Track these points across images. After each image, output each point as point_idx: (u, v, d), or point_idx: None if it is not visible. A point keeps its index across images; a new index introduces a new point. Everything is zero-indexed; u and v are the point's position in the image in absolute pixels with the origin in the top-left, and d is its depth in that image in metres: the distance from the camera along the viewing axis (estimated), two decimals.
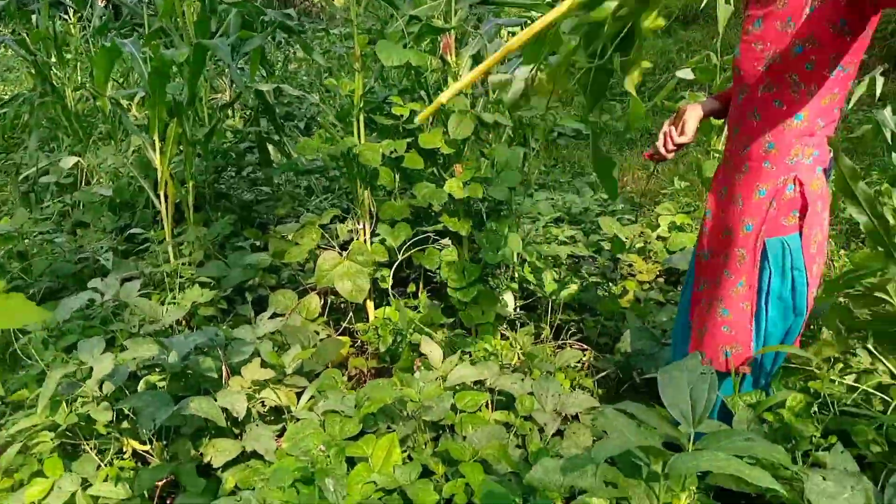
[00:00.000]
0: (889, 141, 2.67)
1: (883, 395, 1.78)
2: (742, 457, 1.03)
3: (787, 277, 1.78)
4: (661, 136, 1.97)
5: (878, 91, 3.26)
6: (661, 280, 3.34)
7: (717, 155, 3.60)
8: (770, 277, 1.79)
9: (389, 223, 2.91)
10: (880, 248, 1.75)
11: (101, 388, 1.98)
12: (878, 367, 1.80)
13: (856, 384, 1.82)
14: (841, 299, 2.15)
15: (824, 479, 1.03)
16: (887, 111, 2.74)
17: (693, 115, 1.93)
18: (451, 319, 2.92)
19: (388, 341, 2.69)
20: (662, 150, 1.96)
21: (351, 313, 3.04)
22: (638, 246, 3.51)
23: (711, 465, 0.99)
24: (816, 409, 1.71)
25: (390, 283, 2.88)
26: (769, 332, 1.84)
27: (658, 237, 3.56)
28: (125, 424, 2.05)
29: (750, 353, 1.85)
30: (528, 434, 2.01)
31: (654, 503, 1.03)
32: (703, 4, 3.70)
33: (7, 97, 5.86)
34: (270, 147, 3.83)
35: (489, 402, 2.16)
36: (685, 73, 3.53)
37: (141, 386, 2.05)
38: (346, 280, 2.73)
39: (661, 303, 3.09)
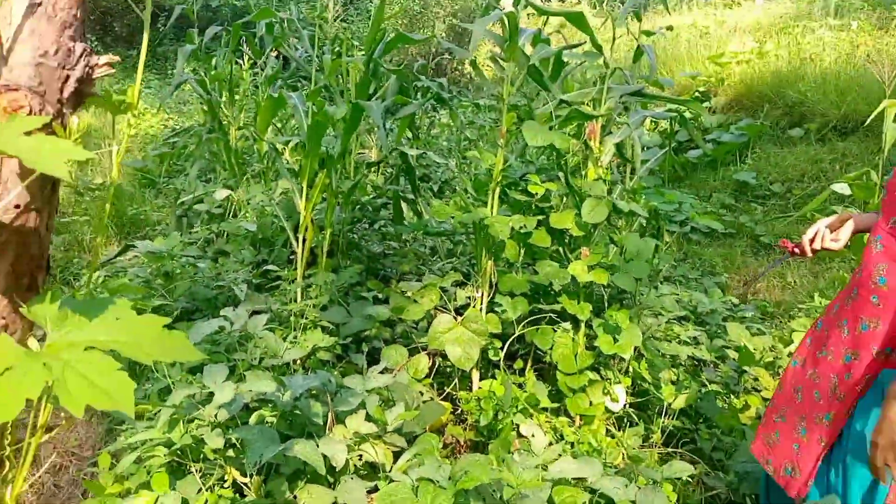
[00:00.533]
0: None
1: None
2: None
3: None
4: (811, 230, 1.89)
5: None
6: None
7: None
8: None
9: (508, 295, 2.91)
10: None
11: (217, 414, 2.08)
12: None
13: None
14: None
15: None
16: None
17: (850, 224, 1.86)
18: (557, 405, 2.84)
19: (490, 416, 2.65)
20: (807, 246, 1.89)
21: (456, 380, 3.04)
22: (766, 360, 3.29)
23: None
24: None
25: (501, 357, 2.86)
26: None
27: (789, 354, 3.33)
28: (231, 453, 2.13)
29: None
30: None
31: None
32: (868, 120, 3.52)
33: (178, 129, 6.50)
34: (405, 205, 3.97)
35: (587, 501, 2.07)
36: (841, 188, 3.35)
37: (253, 419, 2.13)
38: (458, 346, 2.74)
39: None
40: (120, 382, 0.52)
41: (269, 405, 2.25)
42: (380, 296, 3.38)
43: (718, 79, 8.48)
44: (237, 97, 5.32)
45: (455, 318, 2.82)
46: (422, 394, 2.82)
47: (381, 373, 2.55)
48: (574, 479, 2.12)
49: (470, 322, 2.79)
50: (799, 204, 6.00)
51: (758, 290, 4.66)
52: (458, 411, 2.98)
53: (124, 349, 0.56)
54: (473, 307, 2.96)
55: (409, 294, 2.98)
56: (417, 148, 3.53)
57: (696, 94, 7.81)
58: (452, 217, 2.84)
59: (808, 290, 4.46)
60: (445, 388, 3.06)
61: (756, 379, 3.19)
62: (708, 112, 7.89)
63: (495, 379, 2.88)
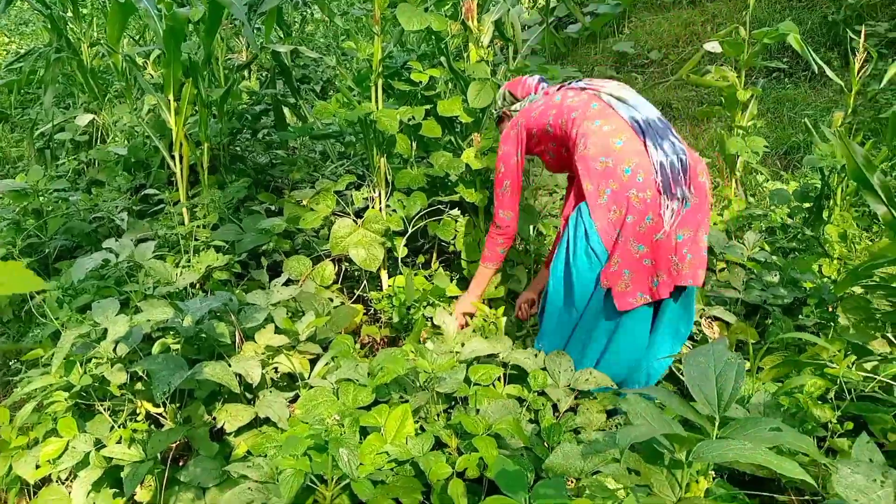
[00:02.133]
0: None
1: None
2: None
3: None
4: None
5: None
6: None
7: (741, 131, 3.53)
8: None
9: (405, 192, 2.87)
10: None
11: (115, 349, 1.98)
12: None
13: (872, 374, 1.79)
14: (859, 289, 2.10)
15: (852, 471, 1.01)
16: None
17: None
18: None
19: (402, 311, 2.67)
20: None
21: (365, 281, 3.03)
22: None
23: (738, 455, 0.97)
24: (833, 396, 1.68)
25: (404, 253, 2.86)
26: None
27: None
28: (139, 386, 2.06)
29: None
30: (542, 409, 1.99)
31: (676, 490, 1.01)
32: None
33: (23, 52, 5.82)
34: (286, 110, 3.78)
35: (502, 376, 2.15)
36: (712, 47, 3.43)
37: (155, 349, 2.04)
38: (361, 248, 2.70)
39: None
40: None
41: (172, 333, 2.16)
42: (273, 208, 3.27)
43: None
44: (83, 10, 4.79)
45: (355, 221, 2.77)
46: (331, 300, 2.80)
47: (285, 285, 2.49)
48: (486, 356, 2.20)
49: (371, 223, 2.75)
50: (675, 68, 6.17)
51: None
52: (371, 311, 2.99)
53: None
54: (372, 208, 2.91)
55: (303, 202, 2.89)
56: (290, 45, 3.31)
57: None
58: (337, 116, 2.73)
59: None
60: (355, 291, 3.05)
61: None
62: None
63: (402, 276, 2.89)
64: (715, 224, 3.23)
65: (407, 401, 1.97)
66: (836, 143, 2.46)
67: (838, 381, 1.69)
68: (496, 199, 2.38)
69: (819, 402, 1.66)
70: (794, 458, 1.38)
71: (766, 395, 1.74)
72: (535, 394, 2.04)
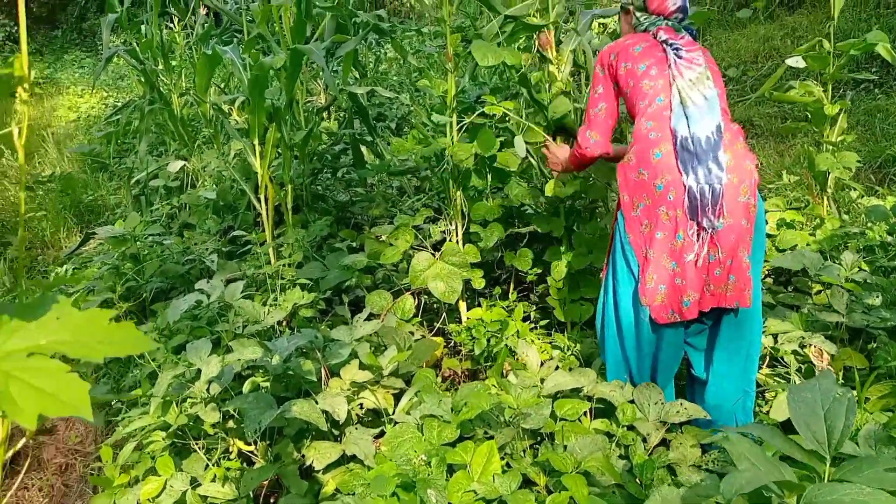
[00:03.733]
0: None
1: None
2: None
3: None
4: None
5: None
6: (769, 280, 3.15)
7: (831, 147, 3.36)
8: None
9: (482, 223, 2.88)
10: None
11: (208, 389, 2.06)
12: None
13: None
14: None
15: None
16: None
17: None
18: (547, 321, 2.87)
19: (483, 343, 2.66)
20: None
21: (444, 314, 3.03)
22: None
23: (856, 500, 0.90)
24: None
25: (482, 285, 2.85)
26: None
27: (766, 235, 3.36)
28: (231, 424, 2.12)
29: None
30: (632, 444, 1.93)
31: None
32: None
33: (119, 105, 6.24)
34: (364, 148, 3.88)
35: (588, 410, 2.10)
36: (795, 62, 3.30)
37: (246, 387, 2.11)
38: (440, 281, 2.72)
39: (771, 305, 2.90)
40: (71, 385, 0.48)
41: (261, 371, 2.23)
42: (354, 244, 3.34)
43: None
44: (173, 62, 5.09)
45: (433, 255, 2.79)
46: (412, 333, 2.82)
47: (367, 319, 2.53)
48: (571, 390, 2.15)
49: (448, 255, 2.77)
50: (755, 85, 5.97)
51: None
52: (451, 344, 2.99)
53: (70, 349, 0.52)
54: (450, 240, 2.93)
55: (383, 238, 2.94)
56: (366, 86, 3.41)
57: None
58: (413, 152, 2.77)
59: (775, 169, 4.48)
60: (435, 324, 3.06)
61: None
62: None
63: (481, 307, 2.88)
64: (808, 245, 3.07)
65: (492, 437, 1.95)
66: None
67: None
68: (586, 119, 2.27)
69: None
70: None
71: (876, 427, 1.62)
72: (625, 428, 1.98)
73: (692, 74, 2.08)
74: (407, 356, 2.44)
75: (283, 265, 2.94)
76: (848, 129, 3.83)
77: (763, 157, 5.00)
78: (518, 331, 2.60)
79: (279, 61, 2.82)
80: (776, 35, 6.45)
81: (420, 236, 2.92)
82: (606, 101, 2.21)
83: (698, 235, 1.95)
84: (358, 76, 4.18)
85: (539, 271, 2.92)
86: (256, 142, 3.01)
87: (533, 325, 2.88)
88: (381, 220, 3.58)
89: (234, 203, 3.77)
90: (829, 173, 3.45)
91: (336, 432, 2.13)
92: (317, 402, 2.01)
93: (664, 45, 2.12)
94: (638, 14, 2.25)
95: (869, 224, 3.14)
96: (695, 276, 1.97)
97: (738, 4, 7.22)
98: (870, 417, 1.70)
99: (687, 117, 2.01)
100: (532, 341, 2.58)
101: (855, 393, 1.85)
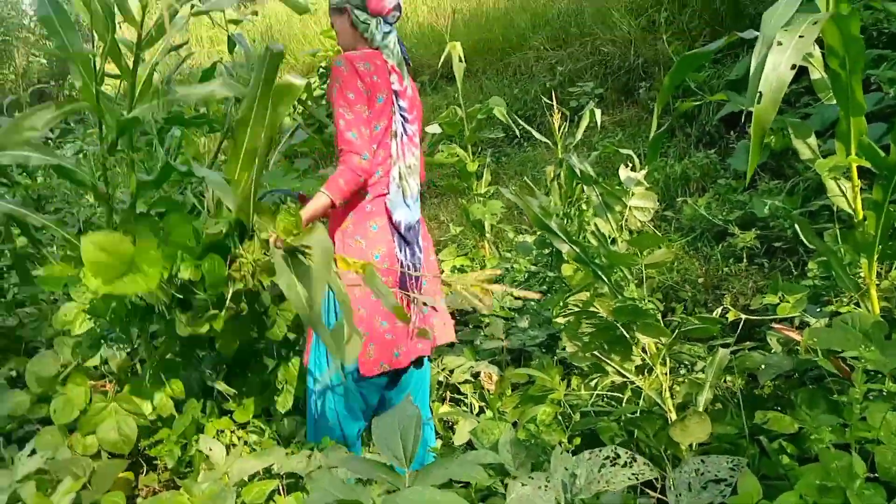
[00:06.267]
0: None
1: (618, 394, 1.99)
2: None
3: None
4: None
5: (598, 120, 3.72)
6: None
7: (480, 199, 3.88)
8: None
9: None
10: (587, 269, 1.99)
11: None
12: (609, 371, 2.01)
13: (594, 390, 2.01)
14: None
15: (523, 483, 1.14)
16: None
17: None
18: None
19: (176, 452, 2.54)
20: None
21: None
22: None
23: (430, 500, 1.05)
24: (561, 418, 1.87)
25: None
26: None
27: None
28: None
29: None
30: None
31: None
32: (440, 62, 4.02)
33: None
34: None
35: (281, 487, 2.12)
36: (432, 129, 3.79)
37: None
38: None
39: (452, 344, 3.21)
40: None
41: None
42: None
43: (336, 51, 8.93)
44: None
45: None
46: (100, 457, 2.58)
47: (31, 455, 2.28)
48: (264, 471, 2.16)
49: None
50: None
51: None
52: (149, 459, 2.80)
53: None
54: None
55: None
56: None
57: (321, 69, 8.15)
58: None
59: (458, 222, 5.00)
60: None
61: None
62: None
63: None
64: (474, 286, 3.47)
65: None
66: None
67: (563, 404, 1.88)
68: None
69: (551, 427, 1.84)
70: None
71: (509, 432, 1.89)
72: None
73: (413, 160, 2.23)
74: (83, 483, 2.24)
75: None
76: (493, 180, 4.45)
77: (447, 214, 5.57)
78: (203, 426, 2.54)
79: None
80: (441, 104, 7.29)
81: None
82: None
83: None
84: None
85: None
86: None
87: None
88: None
89: None
90: (484, 220, 3.97)
91: None
92: None
93: (394, 99, 2.14)
94: (357, 13, 2.14)
95: (517, 258, 3.66)
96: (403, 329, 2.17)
97: None
98: (505, 427, 1.97)
99: (409, 205, 2.20)
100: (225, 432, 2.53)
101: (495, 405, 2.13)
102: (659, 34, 6.03)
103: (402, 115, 2.16)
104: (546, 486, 1.12)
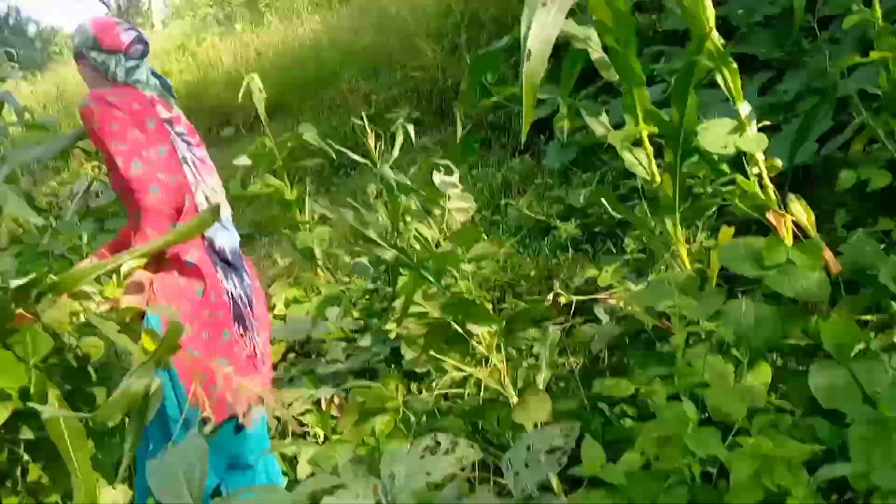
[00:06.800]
0: None
1: (460, 390, 1.92)
2: None
3: None
4: None
5: (413, 138, 3.75)
6: (291, 355, 3.29)
7: (307, 226, 3.74)
8: None
9: None
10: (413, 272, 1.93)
11: None
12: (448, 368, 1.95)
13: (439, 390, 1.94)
14: None
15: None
16: None
17: None
18: None
19: None
20: None
21: None
22: None
23: None
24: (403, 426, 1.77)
25: None
26: None
27: (275, 317, 3.52)
28: None
29: None
30: None
31: None
32: (240, 97, 3.91)
33: None
34: None
35: None
36: (241, 160, 3.63)
37: None
38: None
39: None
40: None
41: None
42: None
43: None
44: None
45: None
46: None
47: None
48: None
49: None
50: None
51: None
52: None
53: None
54: None
55: None
56: None
57: None
58: None
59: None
60: None
61: None
62: None
63: None
64: (308, 313, 3.32)
65: None
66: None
67: (402, 411, 1.78)
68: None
69: (393, 436, 1.73)
70: None
71: (347, 451, 1.76)
72: None
73: (214, 183, 2.04)
74: None
75: None
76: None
77: (280, 250, 5.32)
78: None
79: None
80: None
81: None
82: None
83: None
84: None
85: None
86: None
87: None
88: None
89: None
90: (313, 247, 3.83)
91: None
92: None
93: (170, 129, 1.94)
94: (94, 55, 1.95)
95: (354, 280, 3.56)
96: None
97: (221, 123, 7.74)
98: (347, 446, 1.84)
99: (227, 229, 2.01)
100: None
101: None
102: (462, 56, 6.27)
103: (184, 141, 1.98)
104: (362, 494, 1.01)
